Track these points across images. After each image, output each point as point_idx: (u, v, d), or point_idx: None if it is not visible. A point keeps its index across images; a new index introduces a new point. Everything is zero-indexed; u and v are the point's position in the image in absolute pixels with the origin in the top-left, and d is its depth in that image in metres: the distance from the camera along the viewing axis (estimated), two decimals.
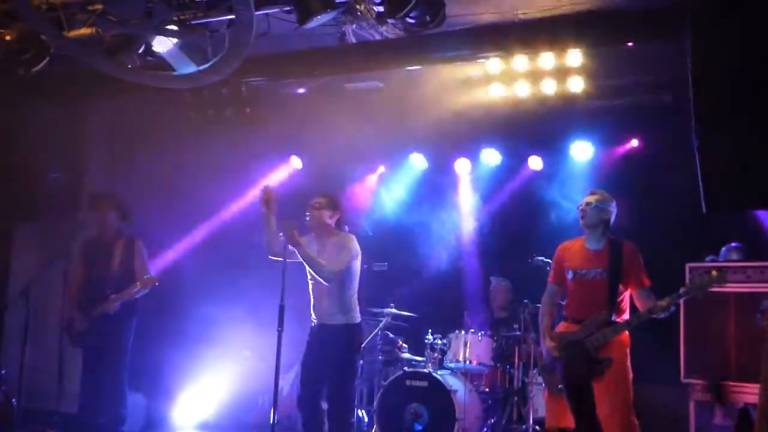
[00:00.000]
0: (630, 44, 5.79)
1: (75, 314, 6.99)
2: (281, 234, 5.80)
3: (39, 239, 8.29)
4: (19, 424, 6.35)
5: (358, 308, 6.05)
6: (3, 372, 7.44)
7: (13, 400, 6.62)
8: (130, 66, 4.99)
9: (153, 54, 4.98)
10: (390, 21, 4.66)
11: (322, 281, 5.81)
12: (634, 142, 7.84)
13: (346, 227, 6.14)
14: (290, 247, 5.77)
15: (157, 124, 8.08)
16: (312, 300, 6.06)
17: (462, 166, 8.66)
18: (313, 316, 6.07)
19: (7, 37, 5.28)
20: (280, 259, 5.78)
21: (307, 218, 6.00)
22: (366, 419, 7.59)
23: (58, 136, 7.96)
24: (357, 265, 6.04)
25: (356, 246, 5.99)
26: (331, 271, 5.79)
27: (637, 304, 5.37)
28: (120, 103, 8.12)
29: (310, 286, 6.04)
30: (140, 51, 4.95)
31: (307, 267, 5.83)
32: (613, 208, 5.56)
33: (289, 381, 8.18)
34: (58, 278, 7.33)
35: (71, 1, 4.98)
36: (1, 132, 7.86)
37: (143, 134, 8.21)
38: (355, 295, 6.06)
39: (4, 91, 6.69)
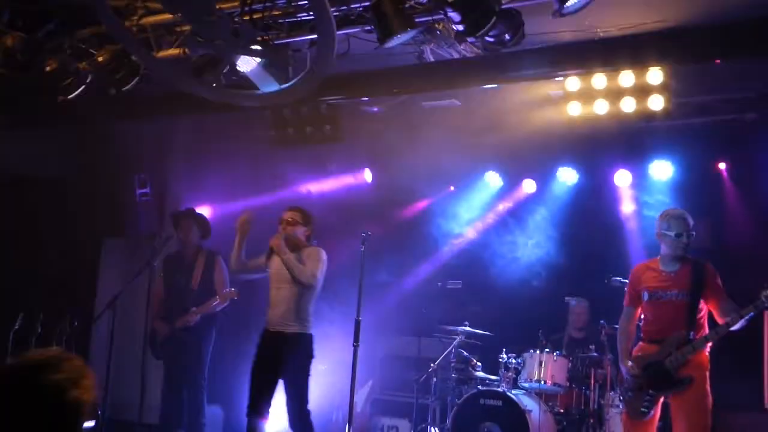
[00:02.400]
0: (717, 62, 5.68)
1: (157, 327, 7.22)
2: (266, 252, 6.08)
3: (125, 254, 8.59)
4: None
5: (312, 320, 6.13)
6: None
7: (99, 411, 6.83)
8: (215, 85, 5.14)
9: (237, 73, 5.13)
10: (470, 40, 4.70)
11: (304, 283, 5.96)
12: (722, 165, 7.66)
13: (315, 241, 6.27)
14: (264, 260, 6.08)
15: (234, 141, 8.28)
16: (270, 307, 6.13)
17: (539, 184, 8.60)
18: (268, 322, 6.13)
19: (100, 58, 5.52)
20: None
21: (282, 232, 6.12)
22: None
23: (144, 155, 8.25)
24: (321, 276, 6.15)
25: (325, 259, 6.14)
26: (313, 274, 5.99)
27: (718, 320, 5.25)
28: (201, 121, 8.36)
29: (272, 293, 6.14)
30: (225, 70, 5.10)
31: (288, 271, 5.97)
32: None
33: (363, 396, 8.23)
34: (142, 293, 7.55)
35: (160, 23, 5.20)
36: (92, 152, 8.20)
37: (222, 152, 8.42)
38: (313, 308, 6.15)
39: (96, 110, 6.96)
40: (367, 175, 9.11)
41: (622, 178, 8.10)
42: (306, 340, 6.05)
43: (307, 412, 6.03)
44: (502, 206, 8.72)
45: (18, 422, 1.88)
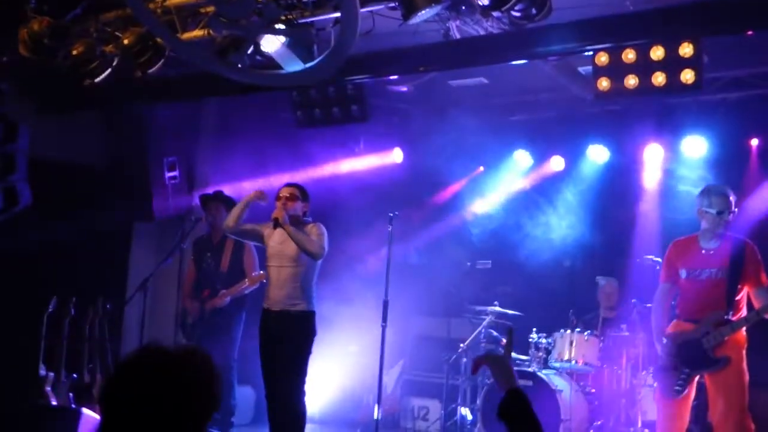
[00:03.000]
0: (750, 33, 5.53)
1: (188, 309, 7.28)
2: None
3: (155, 238, 8.66)
4: None
5: (316, 296, 6.09)
6: None
7: None
8: (240, 66, 5.13)
9: (262, 53, 5.11)
10: (495, 14, 4.63)
11: (315, 255, 5.90)
12: (754, 141, 7.51)
13: (310, 218, 6.20)
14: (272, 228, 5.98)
15: (261, 123, 8.28)
16: (272, 286, 6.07)
17: (569, 162, 8.51)
18: (270, 302, 6.07)
19: (125, 41, 5.53)
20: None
21: (282, 207, 6.04)
22: (470, 417, 7.55)
23: (172, 138, 8.28)
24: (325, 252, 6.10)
25: (326, 233, 6.07)
26: (321, 246, 5.92)
27: (754, 302, 5.16)
28: (228, 103, 8.36)
29: (273, 272, 6.08)
30: (249, 51, 5.08)
31: (298, 244, 5.88)
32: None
33: (393, 377, 8.24)
34: (173, 276, 7.61)
35: (184, 4, 5.19)
36: (120, 137, 8.25)
37: (249, 134, 8.42)
38: (315, 284, 6.10)
39: (122, 93, 6.99)
40: (396, 156, 9.08)
41: (654, 154, 7.97)
42: (311, 318, 6.03)
43: (303, 393, 5.99)
44: (532, 185, 8.64)
45: (170, 407, 1.90)
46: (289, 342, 5.93)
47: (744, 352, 5.16)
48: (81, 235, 7.34)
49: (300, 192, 6.15)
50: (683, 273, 5.38)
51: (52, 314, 6.83)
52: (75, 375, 6.85)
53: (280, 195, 6.10)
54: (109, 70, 5.83)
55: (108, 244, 8.12)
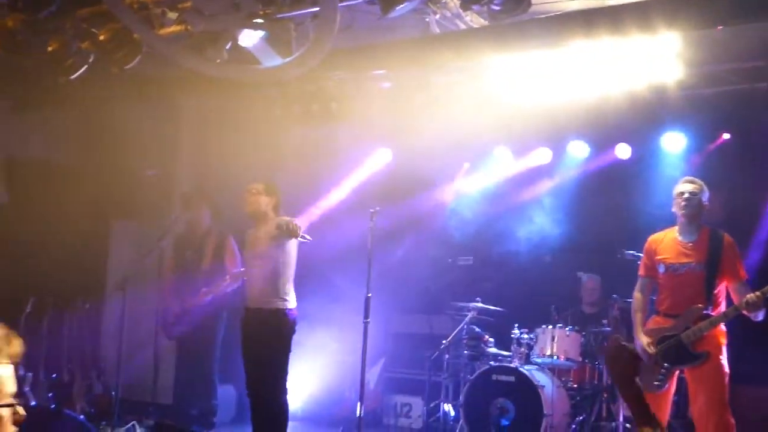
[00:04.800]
0: (719, 28, 5.55)
1: (168, 308, 7.21)
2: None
3: (134, 236, 8.58)
4: (117, 415, 6.57)
5: (293, 294, 6.05)
6: (102, 365, 7.74)
7: (113, 392, 6.86)
8: (218, 61, 5.08)
9: (240, 49, 5.07)
10: (475, 8, 4.61)
11: (297, 235, 5.81)
12: (726, 135, 7.56)
13: (281, 212, 6.18)
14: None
15: (244, 121, 8.23)
16: (247, 284, 6.12)
17: (548, 158, 8.52)
18: (246, 300, 6.10)
19: (101, 37, 5.46)
20: None
21: (244, 203, 6.09)
22: (452, 413, 7.55)
23: (151, 135, 8.21)
24: (294, 249, 6.06)
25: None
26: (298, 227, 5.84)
27: (733, 297, 5.17)
28: (208, 101, 8.30)
29: (248, 271, 6.16)
30: (227, 46, 5.04)
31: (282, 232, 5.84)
32: (707, 198, 5.38)
33: (375, 374, 8.23)
34: (153, 274, 7.54)
35: None
36: (97, 131, 8.17)
37: (230, 131, 8.37)
38: (291, 281, 6.06)
39: (99, 90, 6.92)
40: (378, 153, 9.06)
41: (632, 150, 8.01)
42: (287, 315, 6.00)
43: (285, 390, 5.97)
44: (514, 181, 8.64)
45: None
46: (266, 340, 5.92)
47: (724, 346, 5.17)
48: (58, 234, 7.27)
49: (264, 187, 6.13)
50: (661, 267, 5.39)
51: (30, 314, 6.76)
52: (54, 375, 6.78)
53: (246, 190, 6.13)
54: (85, 67, 5.75)
55: (86, 243, 8.05)
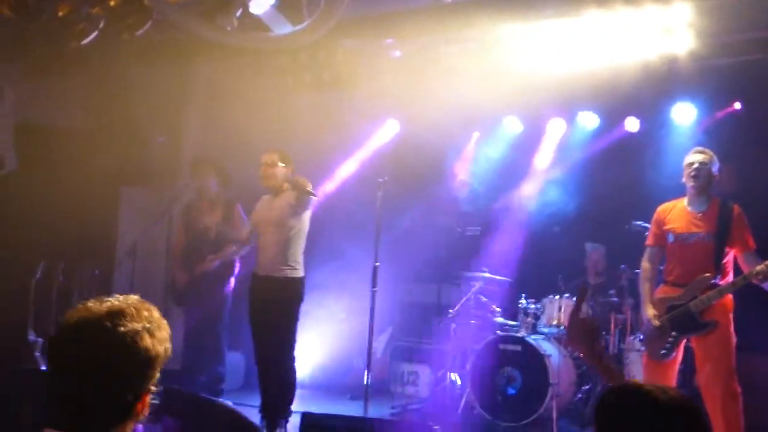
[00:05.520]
0: None
1: (177, 274, 7.25)
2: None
3: (143, 203, 8.59)
4: None
5: (302, 263, 6.08)
6: None
7: None
8: (228, 29, 5.06)
9: (250, 16, 5.04)
10: None
11: (315, 197, 5.95)
12: (737, 105, 7.52)
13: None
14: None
15: (253, 89, 8.20)
16: (259, 252, 6.14)
17: (557, 129, 8.49)
18: (257, 267, 6.13)
19: (112, 2, 5.43)
20: None
21: (262, 177, 6.09)
22: (459, 382, 7.60)
23: (160, 102, 8.19)
24: (308, 219, 6.11)
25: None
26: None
27: (742, 266, 5.19)
28: (218, 68, 8.26)
29: (259, 238, 6.16)
30: (238, 13, 5.01)
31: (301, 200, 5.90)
32: (717, 169, 5.38)
33: (382, 343, 8.28)
34: (161, 241, 7.57)
35: None
36: (106, 98, 8.15)
37: (240, 99, 8.35)
38: (302, 251, 6.10)
39: (108, 56, 6.89)
40: (388, 123, 9.04)
41: (643, 122, 7.98)
42: (297, 284, 6.03)
43: (293, 358, 6.02)
44: (523, 151, 8.62)
45: (90, 368, 1.90)
46: (274, 307, 5.95)
47: (731, 315, 5.20)
48: (68, 199, 7.28)
49: (280, 156, 6.12)
50: (671, 237, 5.40)
51: (40, 280, 6.79)
52: None
53: (262, 161, 6.11)
54: (96, 32, 5.72)
55: (95, 209, 8.05)
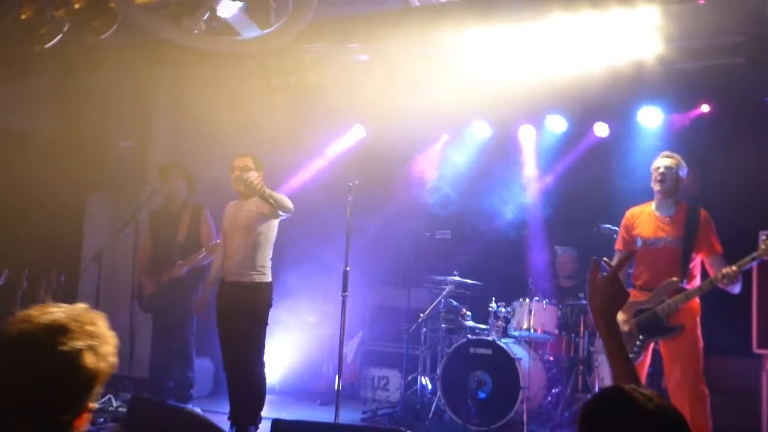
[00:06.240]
0: (701, 1, 5.56)
1: (144, 281, 7.17)
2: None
3: (109, 209, 8.50)
4: None
5: (270, 269, 6.06)
6: None
7: None
8: (195, 32, 5.01)
9: (218, 19, 5.00)
10: None
11: (290, 210, 5.91)
12: (705, 107, 7.60)
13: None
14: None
15: (221, 93, 8.14)
16: (225, 257, 6.09)
17: (526, 133, 8.53)
18: (224, 273, 6.08)
19: (77, 5, 5.35)
20: None
21: (235, 181, 6.02)
22: (430, 386, 7.60)
23: (126, 106, 8.10)
24: (276, 225, 6.09)
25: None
26: (290, 205, 5.92)
27: (709, 270, 5.23)
28: (184, 72, 8.18)
29: (226, 243, 6.11)
30: (205, 17, 4.96)
31: (274, 203, 5.82)
32: (685, 173, 5.42)
33: (352, 348, 8.25)
34: (128, 247, 7.48)
35: None
36: (71, 102, 8.04)
37: (206, 104, 8.28)
38: (270, 256, 6.08)
39: (73, 60, 6.80)
40: (356, 126, 9.01)
41: (611, 126, 8.04)
42: (264, 289, 5.99)
43: (262, 364, 5.97)
44: (491, 155, 8.64)
45: (30, 386, 1.80)
46: (242, 313, 5.90)
47: (698, 319, 5.24)
48: (33, 205, 7.18)
49: (252, 161, 6.08)
50: (639, 242, 5.44)
51: (4, 286, 6.69)
52: None
53: (234, 166, 6.04)
54: (60, 35, 5.64)
55: (61, 215, 7.96)
